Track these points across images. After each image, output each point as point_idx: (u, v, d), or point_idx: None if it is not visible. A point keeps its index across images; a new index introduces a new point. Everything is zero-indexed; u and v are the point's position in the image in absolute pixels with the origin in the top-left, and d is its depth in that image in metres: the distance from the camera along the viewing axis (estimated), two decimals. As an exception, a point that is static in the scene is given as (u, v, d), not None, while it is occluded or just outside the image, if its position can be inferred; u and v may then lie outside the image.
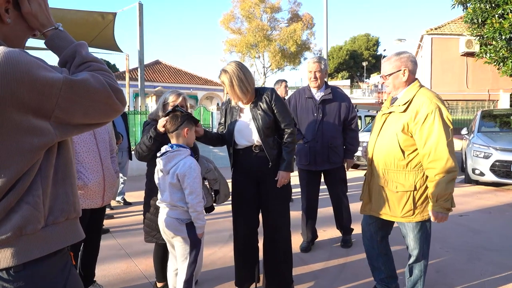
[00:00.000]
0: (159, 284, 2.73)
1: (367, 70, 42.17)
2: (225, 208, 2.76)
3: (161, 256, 2.69)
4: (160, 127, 2.39)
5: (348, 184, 3.98)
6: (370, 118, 13.17)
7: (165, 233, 2.35)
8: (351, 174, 7.15)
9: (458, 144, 13.54)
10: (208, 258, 3.38)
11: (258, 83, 28.95)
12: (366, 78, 42.17)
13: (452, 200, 2.19)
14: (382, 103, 32.74)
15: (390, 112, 2.35)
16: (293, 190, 6.39)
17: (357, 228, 3.65)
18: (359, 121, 12.16)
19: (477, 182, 7.44)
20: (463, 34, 20.22)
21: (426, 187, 2.23)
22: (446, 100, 21.51)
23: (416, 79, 2.34)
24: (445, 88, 21.15)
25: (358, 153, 6.12)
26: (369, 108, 17.93)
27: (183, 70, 28.81)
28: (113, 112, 1.02)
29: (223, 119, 2.80)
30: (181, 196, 2.24)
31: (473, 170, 7.20)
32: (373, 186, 2.41)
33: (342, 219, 3.85)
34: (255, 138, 2.58)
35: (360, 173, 7.63)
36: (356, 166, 9.67)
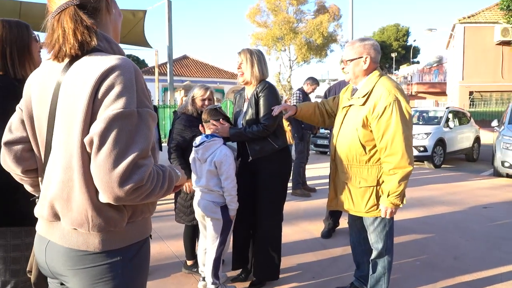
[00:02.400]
0: (188, 262, 2.99)
1: (396, 61, 41.05)
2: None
3: (191, 236, 2.95)
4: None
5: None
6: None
7: (199, 215, 2.59)
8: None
9: (490, 137, 13.12)
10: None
11: (284, 76, 28.95)
12: (395, 70, 41.11)
13: (403, 197, 2.13)
14: (411, 95, 31.89)
15: (350, 105, 2.26)
16: (316, 182, 6.56)
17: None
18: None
19: (507, 175, 7.28)
20: (499, 22, 19.37)
21: None
22: (479, 92, 20.76)
23: (377, 68, 2.24)
24: (478, 79, 20.39)
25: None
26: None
27: (209, 64, 29.23)
28: (105, 184, 0.95)
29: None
30: (217, 182, 2.47)
31: (502, 163, 7.06)
32: (337, 181, 2.36)
33: None
34: None
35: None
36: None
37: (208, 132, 2.57)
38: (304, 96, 5.56)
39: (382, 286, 2.34)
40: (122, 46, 1.26)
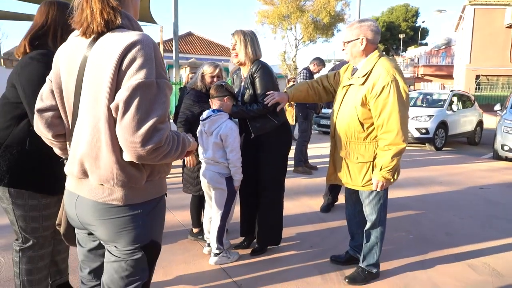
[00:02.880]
0: (194, 230, 3.18)
1: (403, 43, 40.39)
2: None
3: (197, 205, 3.13)
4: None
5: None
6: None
7: (205, 185, 2.74)
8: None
9: (494, 121, 13.16)
10: (237, 212, 3.79)
11: (290, 55, 28.68)
12: (402, 52, 40.51)
13: (396, 173, 2.25)
14: (417, 77, 31.60)
15: (350, 84, 2.36)
16: (318, 160, 6.72)
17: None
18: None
19: (506, 158, 7.39)
20: (511, 4, 18.99)
21: None
22: (485, 76, 20.58)
23: (376, 48, 2.31)
24: (485, 63, 20.17)
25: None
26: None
27: (214, 42, 28.96)
28: (129, 144, 1.09)
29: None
30: (223, 154, 2.62)
31: (502, 146, 7.16)
32: (336, 157, 2.49)
33: None
34: None
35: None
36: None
37: (214, 107, 2.69)
38: (310, 75, 5.64)
39: (374, 254, 2.51)
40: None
